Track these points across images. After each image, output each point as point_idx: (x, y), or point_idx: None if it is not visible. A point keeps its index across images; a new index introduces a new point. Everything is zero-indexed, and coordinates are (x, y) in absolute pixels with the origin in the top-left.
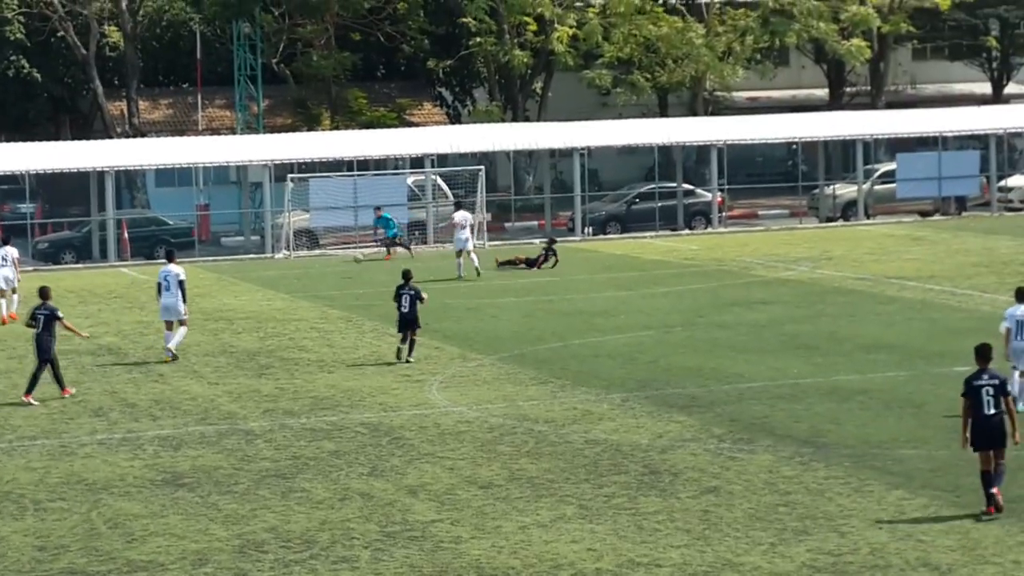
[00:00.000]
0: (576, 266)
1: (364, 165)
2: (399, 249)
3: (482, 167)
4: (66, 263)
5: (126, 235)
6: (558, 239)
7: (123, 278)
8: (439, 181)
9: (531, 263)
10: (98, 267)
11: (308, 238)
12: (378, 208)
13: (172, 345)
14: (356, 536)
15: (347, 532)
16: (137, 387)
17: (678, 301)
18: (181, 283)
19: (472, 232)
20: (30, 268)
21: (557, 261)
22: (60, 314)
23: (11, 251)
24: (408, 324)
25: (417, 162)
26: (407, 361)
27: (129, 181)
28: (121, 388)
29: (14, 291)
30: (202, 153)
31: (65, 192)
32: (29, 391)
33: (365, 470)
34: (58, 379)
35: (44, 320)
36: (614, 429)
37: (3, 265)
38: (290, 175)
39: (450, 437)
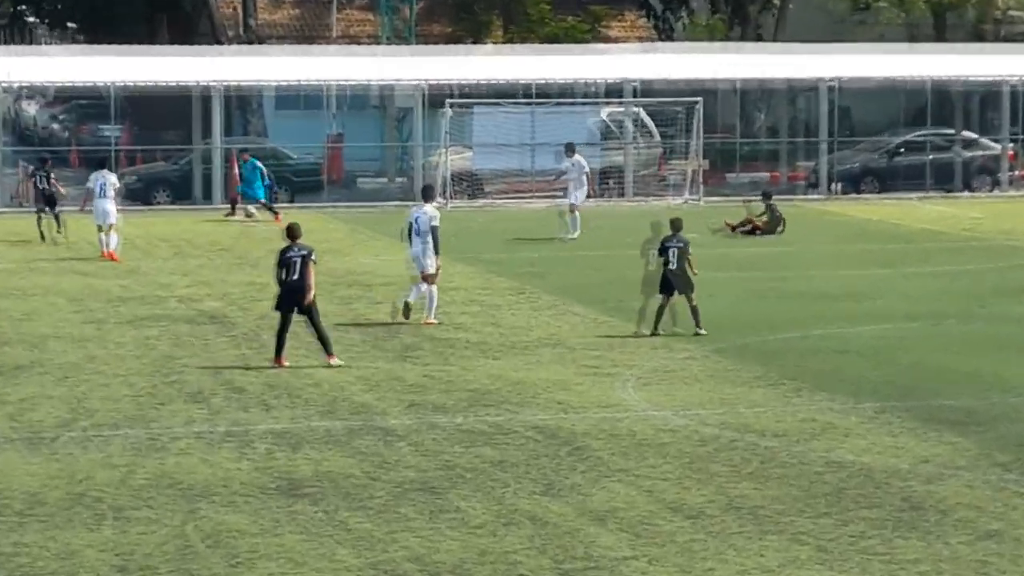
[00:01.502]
0: (818, 233)
1: (545, 92)
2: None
3: (699, 100)
4: (158, 204)
5: (236, 170)
6: (774, 196)
7: (231, 226)
8: (643, 115)
9: (753, 229)
10: (199, 210)
11: (469, 183)
12: (244, 152)
13: (430, 315)
14: (524, 572)
15: (512, 566)
16: (247, 367)
17: (952, 284)
18: (434, 229)
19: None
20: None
21: (780, 224)
22: (315, 257)
23: (110, 178)
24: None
25: (614, 90)
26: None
27: (242, 102)
28: (226, 367)
29: (111, 228)
30: (336, 70)
31: (160, 113)
32: (278, 354)
33: (537, 488)
34: (323, 340)
35: (300, 264)
36: (864, 449)
37: (101, 196)
38: (448, 101)
39: (649, 450)
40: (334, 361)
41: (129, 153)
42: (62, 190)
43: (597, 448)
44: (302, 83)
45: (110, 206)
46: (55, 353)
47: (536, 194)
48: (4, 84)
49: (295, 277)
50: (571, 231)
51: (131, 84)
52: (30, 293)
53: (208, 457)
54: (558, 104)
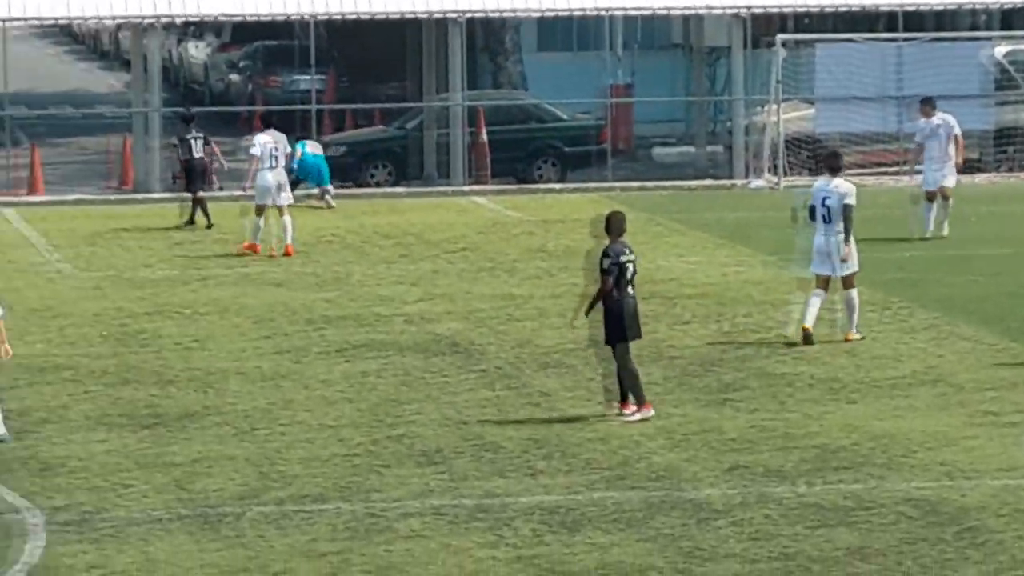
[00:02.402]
0: None
1: (915, 21)
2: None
3: None
4: (375, 182)
5: (483, 137)
6: None
7: (475, 213)
8: None
9: None
10: (432, 192)
11: (811, 153)
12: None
13: (852, 328)
14: None
15: None
16: (502, 414)
17: None
18: (847, 210)
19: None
20: (311, 191)
21: None
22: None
23: (281, 140)
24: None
25: (1013, 17)
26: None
27: (490, 39)
28: (471, 414)
29: (281, 212)
30: None
31: (377, 57)
32: (624, 398)
33: None
34: (627, 389)
35: (632, 274)
36: None
37: (271, 166)
38: (779, 36)
39: None
40: (628, 412)
41: (335, 113)
42: (223, 160)
43: (996, 529)
44: (575, 11)
45: (283, 176)
46: (237, 396)
47: (904, 167)
48: (163, 18)
49: (630, 292)
50: (929, 225)
51: (337, 15)
52: (201, 312)
53: (451, 541)
54: (935, 40)
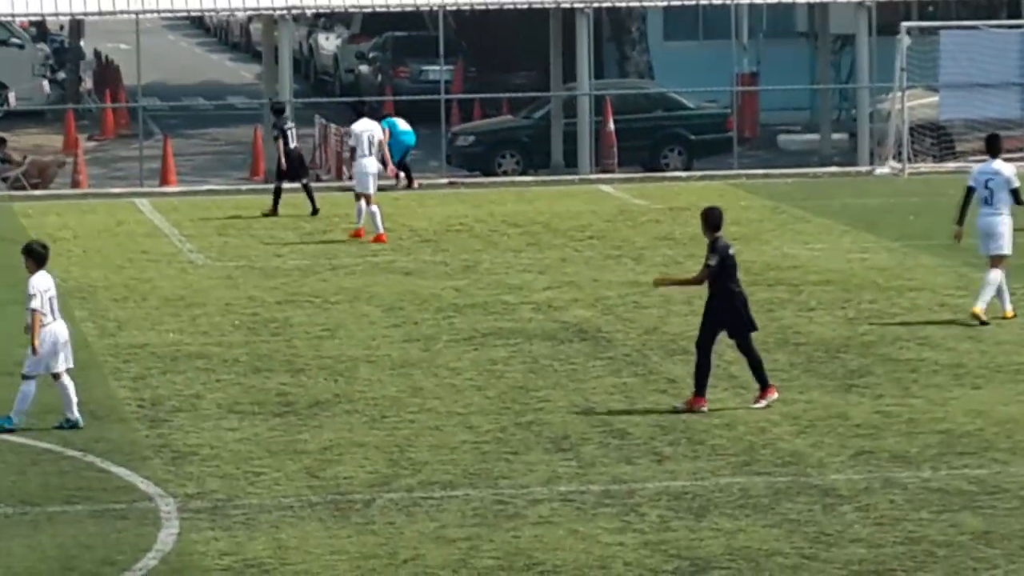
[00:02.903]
0: None
1: None
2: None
3: None
4: (502, 171)
5: (610, 126)
6: None
7: (602, 202)
8: None
9: None
10: (559, 181)
11: (936, 140)
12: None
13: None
14: None
15: None
16: (630, 401)
17: None
18: (1016, 194)
19: None
20: (439, 180)
21: None
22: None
23: (376, 128)
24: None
25: None
26: None
27: (617, 28)
28: (599, 401)
29: (367, 200)
30: None
31: (505, 47)
32: (699, 393)
33: None
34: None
35: (730, 266)
36: None
37: (367, 153)
38: (904, 24)
39: None
40: (762, 403)
41: (463, 103)
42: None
43: None
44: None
45: (372, 165)
46: (367, 384)
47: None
48: (294, 10)
49: (735, 287)
50: None
51: (466, 5)
52: (332, 301)
53: (579, 527)
54: None
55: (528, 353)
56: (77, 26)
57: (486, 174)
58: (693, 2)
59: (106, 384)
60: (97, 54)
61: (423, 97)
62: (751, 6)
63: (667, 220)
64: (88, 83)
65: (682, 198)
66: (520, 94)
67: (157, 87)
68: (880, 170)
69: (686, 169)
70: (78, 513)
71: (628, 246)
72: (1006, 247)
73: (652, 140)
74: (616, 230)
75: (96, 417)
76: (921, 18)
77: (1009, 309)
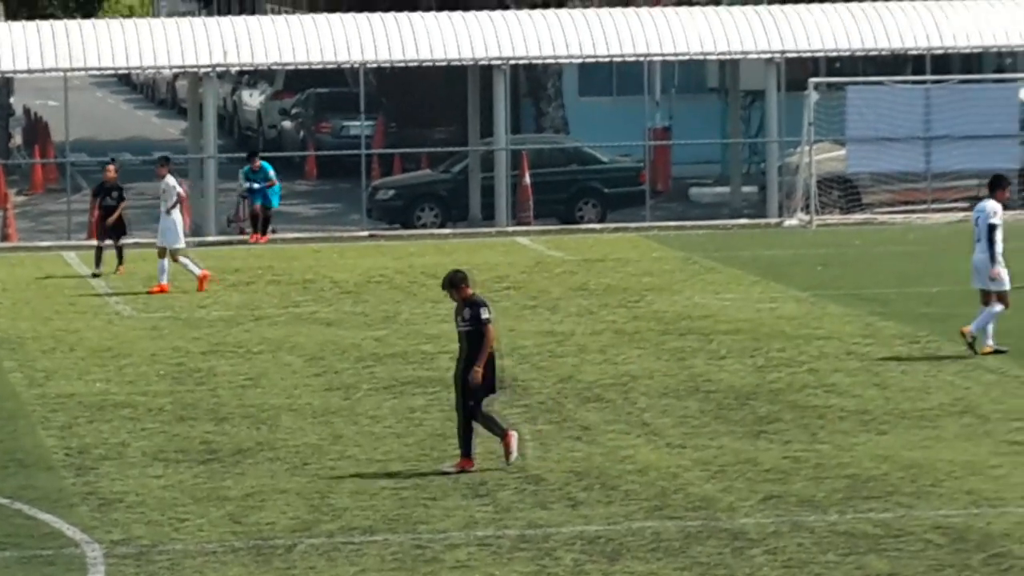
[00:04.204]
0: None
1: (943, 64)
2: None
3: None
4: (421, 224)
5: (527, 179)
6: None
7: (519, 253)
8: None
9: None
10: (477, 233)
11: (843, 192)
12: (253, 156)
13: (972, 327)
14: None
15: None
16: (545, 448)
17: None
18: (990, 229)
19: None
20: (361, 232)
21: None
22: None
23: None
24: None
25: None
26: None
27: (534, 85)
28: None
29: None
30: (660, 39)
31: (424, 103)
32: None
33: None
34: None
35: None
36: None
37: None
38: (812, 80)
39: None
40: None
41: (384, 158)
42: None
43: (1023, 555)
44: (615, 57)
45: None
46: (289, 432)
47: (933, 205)
48: (219, 68)
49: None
50: None
51: (386, 63)
52: (255, 350)
53: (495, 572)
54: (963, 82)
55: (447, 401)
56: (7, 83)
57: (406, 227)
58: (607, 59)
59: (34, 433)
60: (26, 111)
61: (345, 152)
62: (663, 63)
63: (582, 271)
64: (18, 139)
65: (596, 250)
66: (439, 149)
67: (85, 143)
68: (789, 222)
69: (600, 221)
70: (6, 560)
71: (544, 296)
72: (1002, 283)
73: (567, 193)
74: (532, 281)
75: (24, 465)
76: (828, 74)
77: (973, 329)
